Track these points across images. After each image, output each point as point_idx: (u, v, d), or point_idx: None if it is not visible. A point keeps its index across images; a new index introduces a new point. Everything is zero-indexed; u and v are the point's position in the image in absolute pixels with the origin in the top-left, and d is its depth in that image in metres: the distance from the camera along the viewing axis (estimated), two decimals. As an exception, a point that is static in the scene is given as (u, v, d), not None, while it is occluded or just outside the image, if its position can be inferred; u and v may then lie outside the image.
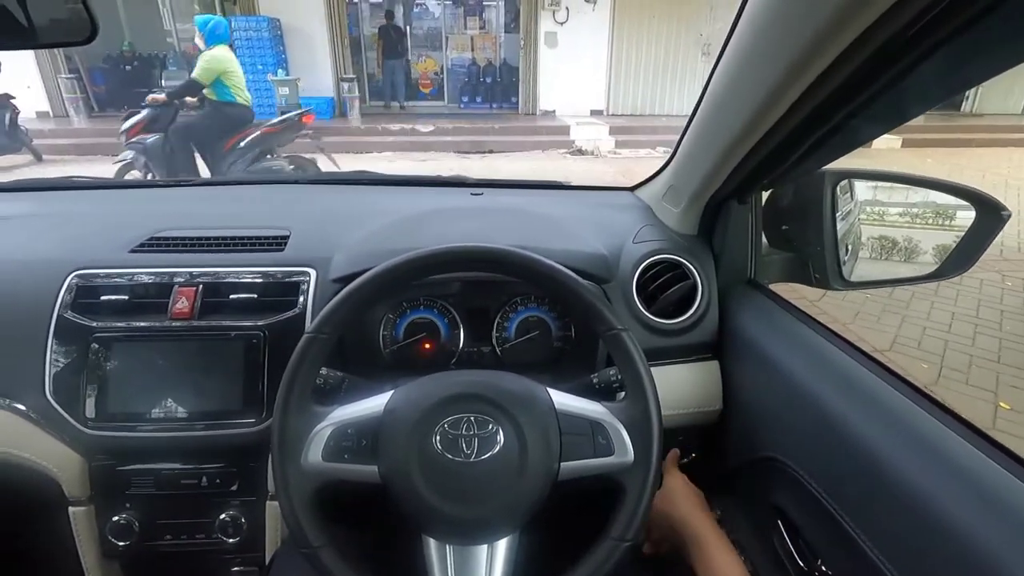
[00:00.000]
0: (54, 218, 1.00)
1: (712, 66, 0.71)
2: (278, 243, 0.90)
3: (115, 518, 0.81)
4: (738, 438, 0.88)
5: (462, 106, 11.08)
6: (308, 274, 0.86)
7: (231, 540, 0.82)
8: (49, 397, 0.79)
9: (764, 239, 1.00)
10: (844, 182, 1.16)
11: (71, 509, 0.82)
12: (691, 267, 0.91)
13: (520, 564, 0.63)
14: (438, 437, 0.60)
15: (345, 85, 9.37)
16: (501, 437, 0.61)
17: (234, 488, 0.82)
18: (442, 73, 11.24)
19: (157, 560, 0.86)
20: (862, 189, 1.25)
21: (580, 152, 8.51)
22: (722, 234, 0.94)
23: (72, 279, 0.83)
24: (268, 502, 0.84)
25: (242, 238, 0.90)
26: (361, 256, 0.86)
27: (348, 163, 7.34)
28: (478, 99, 11.06)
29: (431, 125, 8.97)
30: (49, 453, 0.79)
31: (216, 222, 0.97)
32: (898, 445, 0.57)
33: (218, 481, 0.82)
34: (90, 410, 0.78)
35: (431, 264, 0.68)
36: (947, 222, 1.20)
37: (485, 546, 0.61)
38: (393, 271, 0.67)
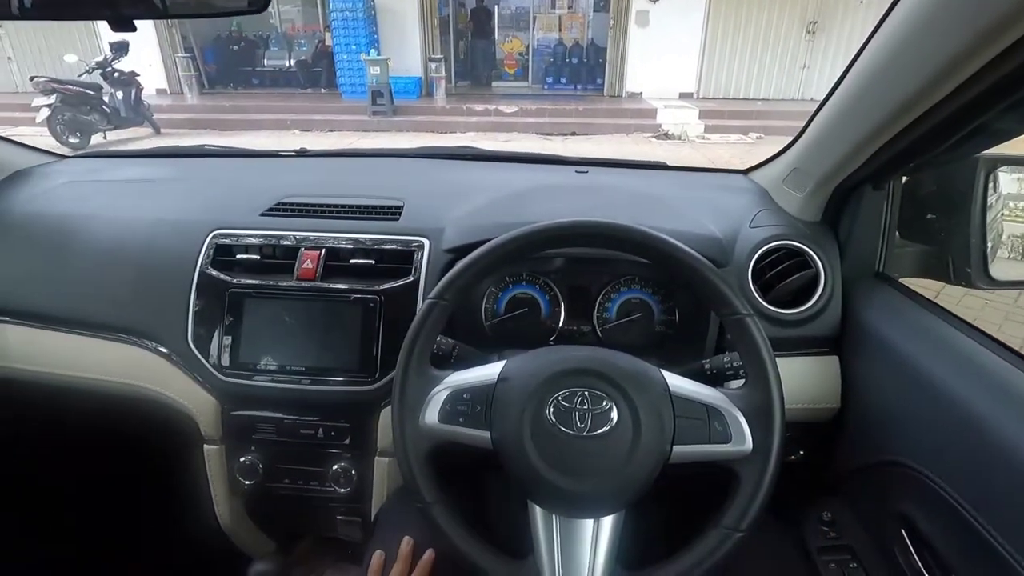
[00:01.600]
0: (193, 182, 1.09)
1: (858, 49, 0.66)
2: (393, 213, 0.94)
3: (242, 459, 0.88)
4: (857, 439, 0.82)
5: (546, 87, 10.99)
6: (422, 243, 0.88)
7: (342, 490, 0.88)
8: (191, 344, 0.86)
9: (896, 230, 0.93)
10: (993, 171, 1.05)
11: (206, 447, 0.90)
12: (814, 255, 0.85)
13: (625, 542, 0.63)
14: (552, 409, 0.61)
15: (432, 65, 9.54)
16: (615, 414, 0.60)
17: (347, 442, 0.87)
18: (527, 53, 11.18)
19: (275, 501, 0.93)
20: (1007, 181, 1.12)
21: (666, 136, 8.22)
22: (850, 222, 0.87)
23: (212, 239, 0.90)
24: (377, 458, 0.89)
25: (360, 206, 0.95)
26: (473, 229, 0.87)
27: (431, 142, 7.52)
28: (563, 80, 10.93)
29: (515, 106, 8.97)
30: (190, 395, 0.87)
31: (335, 190, 1.02)
32: None
33: (332, 434, 0.87)
34: (225, 358, 0.86)
35: (553, 237, 0.68)
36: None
37: (591, 520, 0.62)
38: (516, 242, 0.67)
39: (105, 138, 7.38)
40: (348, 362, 0.85)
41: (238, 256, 0.88)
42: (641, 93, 10.09)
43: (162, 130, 7.89)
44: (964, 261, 0.87)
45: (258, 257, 0.88)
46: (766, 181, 1.03)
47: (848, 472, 0.84)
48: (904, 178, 0.87)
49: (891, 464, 0.72)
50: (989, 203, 1.13)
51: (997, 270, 0.98)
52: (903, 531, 0.70)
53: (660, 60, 9.73)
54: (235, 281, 0.87)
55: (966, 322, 0.74)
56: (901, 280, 0.89)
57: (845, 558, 0.77)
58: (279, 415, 0.88)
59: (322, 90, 10.56)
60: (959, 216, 0.86)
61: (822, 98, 0.81)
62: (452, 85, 10.59)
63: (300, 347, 0.86)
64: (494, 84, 11.29)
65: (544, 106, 9.18)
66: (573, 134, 8.38)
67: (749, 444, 0.61)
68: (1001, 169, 1.02)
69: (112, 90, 7.34)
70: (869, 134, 0.70)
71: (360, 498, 0.90)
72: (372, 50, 8.88)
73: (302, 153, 1.31)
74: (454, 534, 0.62)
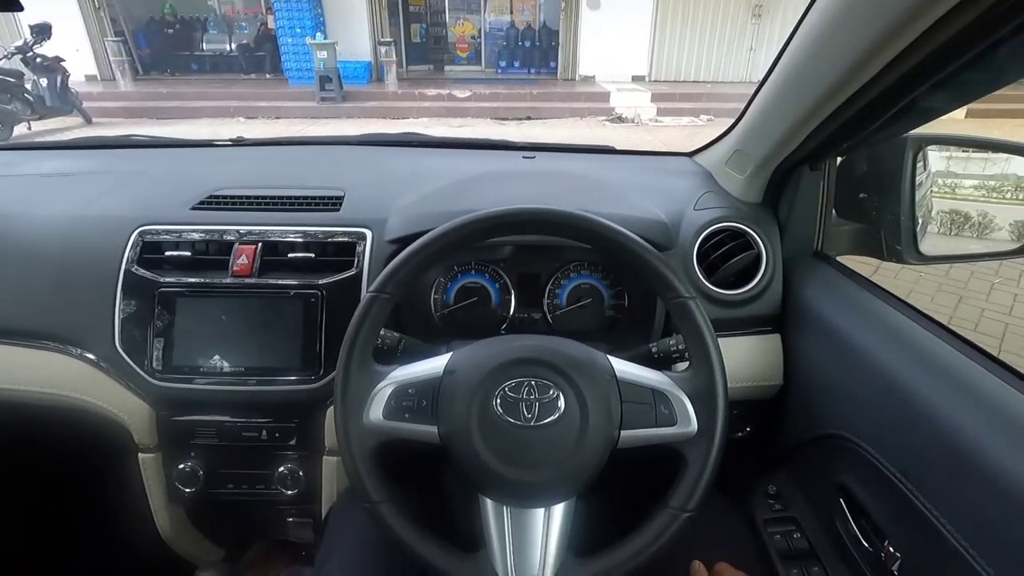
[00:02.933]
0: (118, 175, 1.02)
1: (793, 28, 0.67)
2: (333, 203, 0.90)
3: (181, 465, 0.84)
4: (799, 414, 0.85)
5: (499, 71, 10.88)
6: (364, 235, 0.86)
7: (288, 492, 0.85)
8: (119, 348, 0.81)
9: (833, 209, 0.95)
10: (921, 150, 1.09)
11: (140, 455, 0.86)
12: (756, 236, 0.87)
13: (577, 529, 0.63)
14: (498, 400, 0.60)
15: (382, 49, 9.28)
16: (562, 403, 0.60)
17: (292, 443, 0.84)
18: (480, 37, 11.03)
19: (219, 507, 0.90)
20: (935, 159, 1.17)
21: (620, 120, 8.28)
22: (789, 202, 0.89)
23: (137, 235, 0.84)
24: (325, 457, 0.87)
25: (298, 198, 0.91)
26: (417, 218, 0.85)
27: (383, 129, 7.35)
28: (516, 64, 10.84)
29: (468, 91, 8.85)
30: (120, 401, 0.82)
31: (272, 181, 0.97)
32: (988, 425, 0.54)
33: (277, 435, 0.84)
34: (156, 362, 0.81)
35: (495, 225, 0.66)
36: (1029, 195, 1.12)
37: (542, 509, 0.61)
38: (458, 231, 0.66)
39: (30, 128, 6.90)
40: (290, 361, 0.81)
41: (167, 253, 0.83)
42: (594, 76, 10.12)
43: (93, 119, 7.42)
44: (895, 238, 0.90)
45: (189, 254, 0.83)
46: (710, 163, 1.04)
47: (792, 446, 0.87)
48: (839, 159, 0.89)
49: (830, 437, 0.75)
50: (919, 181, 1.18)
51: (926, 246, 1.03)
52: (841, 500, 0.73)
53: (612, 43, 9.78)
54: (164, 280, 0.82)
55: (897, 297, 0.76)
56: (838, 258, 0.92)
57: (790, 529, 0.80)
58: (219, 418, 0.84)
59: (267, 75, 10.16)
60: (890, 195, 0.89)
61: (761, 81, 0.82)
62: (404, 70, 10.36)
63: (238, 347, 0.82)
64: (447, 68, 11.11)
65: (498, 90, 9.10)
66: (528, 118, 8.34)
67: (694, 426, 0.62)
68: (929, 148, 1.07)
69: (35, 77, 6.84)
70: (803, 116, 0.71)
71: (309, 499, 0.87)
72: (318, 33, 8.58)
73: (239, 142, 1.25)
74: (403, 532, 0.61)
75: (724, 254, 0.87)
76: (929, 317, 0.71)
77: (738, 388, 0.87)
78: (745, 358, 0.87)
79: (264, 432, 0.84)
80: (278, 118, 8.09)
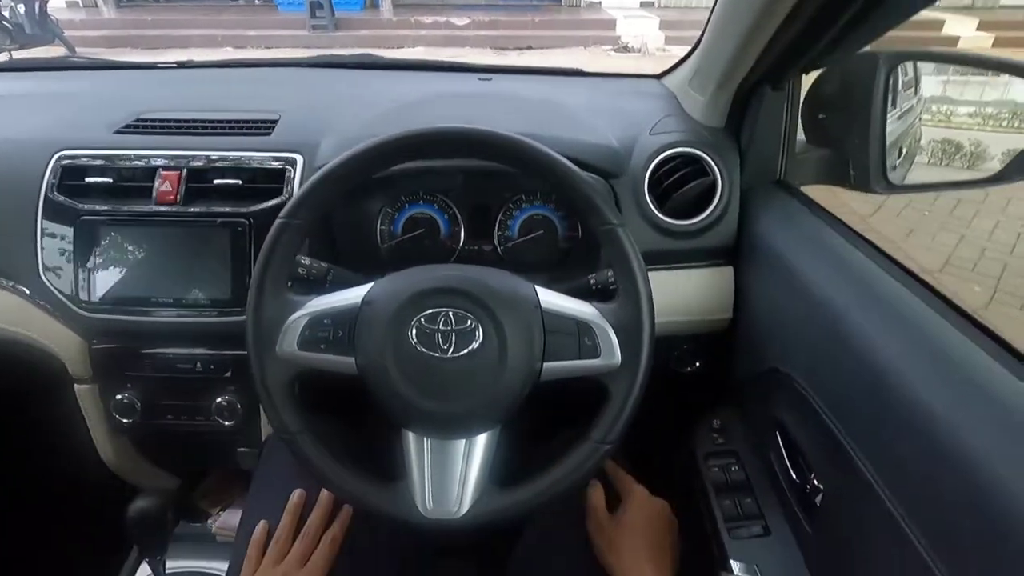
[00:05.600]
0: (44, 98, 0.96)
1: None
2: (266, 127, 0.85)
3: (118, 396, 0.84)
4: (745, 349, 0.83)
5: (501, -4, 10.29)
6: (294, 160, 0.81)
7: (227, 423, 0.85)
8: (44, 278, 0.79)
9: (802, 135, 0.89)
10: (908, 72, 1.01)
11: (76, 386, 0.85)
12: (711, 163, 0.82)
13: (498, 460, 0.63)
14: (414, 331, 0.58)
15: (376, -28, 8.77)
16: (480, 334, 0.58)
17: (227, 374, 0.83)
18: (480, -42, 10.36)
19: (164, 437, 0.90)
20: (930, 84, 1.08)
21: (626, 49, 7.91)
22: (751, 125, 0.83)
23: (57, 160, 0.80)
24: None
25: (228, 121, 0.86)
26: (350, 141, 0.79)
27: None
28: (518, -12, 10.22)
29: (467, 18, 8.41)
30: (51, 333, 0.81)
31: (203, 104, 0.92)
32: (917, 362, 0.51)
33: (212, 367, 0.83)
34: (83, 293, 0.79)
35: (406, 146, 0.62)
36: (1026, 122, 1.05)
37: (463, 440, 0.60)
38: (366, 153, 0.62)
39: (11, 57, 6.66)
40: (219, 292, 0.79)
41: (88, 179, 0.80)
42: (600, 2, 9.56)
43: (77, 49, 7.15)
44: (863, 165, 0.85)
45: (111, 180, 0.80)
46: (675, 85, 0.97)
47: (739, 381, 0.85)
48: (805, 79, 0.82)
49: (772, 372, 0.73)
50: (908, 106, 1.10)
51: (910, 177, 0.97)
52: (777, 435, 0.72)
53: (620, -35, 9.18)
54: (86, 208, 0.78)
55: (855, 231, 0.72)
56: (804, 188, 0.87)
57: (729, 462, 0.80)
58: (152, 350, 0.83)
59: (256, 2, 9.65)
60: (860, 117, 0.83)
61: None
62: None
63: (166, 277, 0.79)
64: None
65: (498, 17, 8.63)
66: (529, 48, 7.97)
67: (618, 358, 0.60)
68: (923, 72, 0.99)
69: (12, 3, 6.53)
70: (753, 27, 0.64)
71: (251, 429, 0.88)
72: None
73: (185, 65, 1.18)
74: (320, 463, 0.61)
75: (679, 182, 0.82)
76: (884, 253, 0.67)
77: (687, 322, 0.85)
78: (696, 291, 0.84)
79: (198, 364, 0.83)
80: (267, 48, 7.77)
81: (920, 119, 1.17)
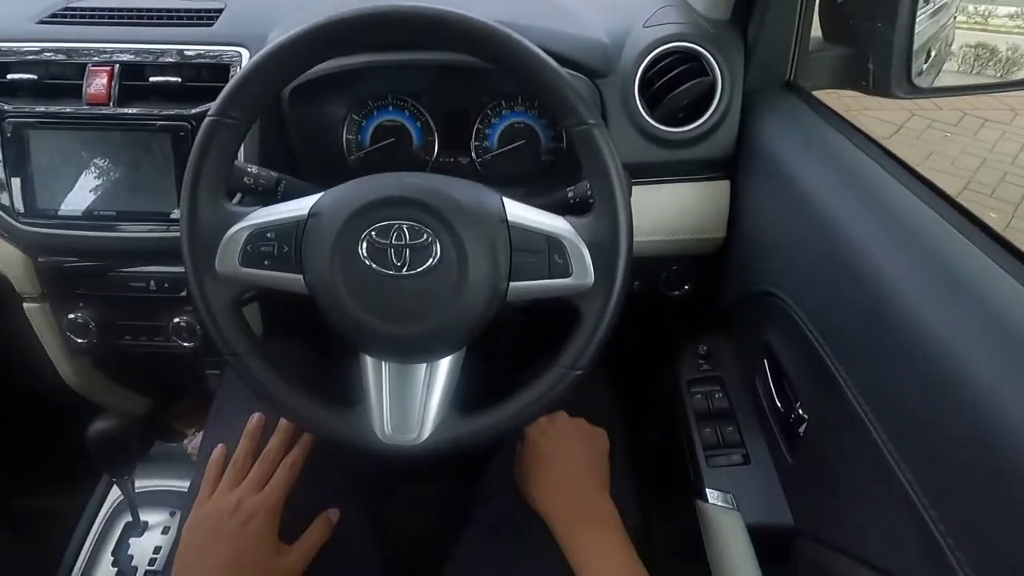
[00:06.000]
0: None
1: None
2: (208, 17, 0.76)
3: (70, 316, 0.80)
4: (739, 270, 0.77)
5: None
6: (239, 54, 0.72)
7: (186, 344, 0.82)
8: None
9: (817, 30, 0.79)
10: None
11: (25, 305, 0.81)
12: (711, 60, 0.72)
13: (464, 386, 0.59)
14: (364, 246, 0.52)
15: None
16: (437, 249, 0.52)
17: (183, 294, 0.79)
18: None
19: (126, 358, 0.87)
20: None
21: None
22: (760, 17, 0.73)
23: None
24: None
25: (166, 10, 0.76)
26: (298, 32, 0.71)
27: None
28: None
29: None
30: None
31: None
32: (923, 280, 0.45)
33: (166, 285, 0.78)
34: (18, 203, 0.73)
35: (349, 28, 0.53)
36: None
37: (424, 365, 0.56)
38: (305, 37, 0.53)
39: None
40: (164, 203, 0.73)
41: (9, 76, 0.72)
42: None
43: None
44: (885, 65, 0.75)
45: (36, 77, 0.71)
46: None
47: (729, 305, 0.80)
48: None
49: (764, 295, 0.67)
50: (942, 3, 0.98)
51: (921, 78, 0.87)
52: (765, 361, 0.67)
53: None
54: (10, 109, 0.71)
55: (864, 134, 0.64)
56: (816, 92, 0.78)
57: (714, 388, 0.76)
58: (100, 265, 0.78)
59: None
60: (886, 9, 0.72)
61: None
62: None
63: (105, 187, 0.73)
64: None
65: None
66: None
67: (591, 278, 0.54)
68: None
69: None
70: None
71: (215, 351, 0.84)
72: None
73: None
74: (271, 386, 0.57)
75: (673, 81, 0.73)
76: (899, 160, 0.60)
77: (677, 241, 0.78)
78: (688, 208, 0.77)
79: (152, 282, 0.78)
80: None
81: (954, 19, 1.05)
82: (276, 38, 0.71)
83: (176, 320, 0.80)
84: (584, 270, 0.54)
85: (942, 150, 3.08)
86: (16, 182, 0.72)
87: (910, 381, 0.42)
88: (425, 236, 0.52)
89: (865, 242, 0.51)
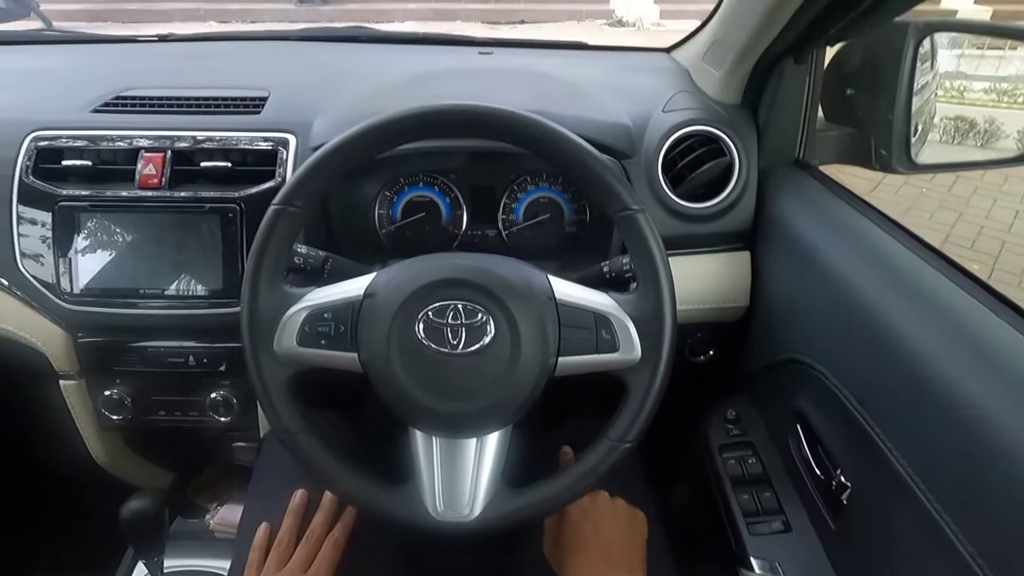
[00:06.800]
0: (17, 75, 0.90)
1: None
2: (255, 105, 0.80)
3: (107, 392, 0.80)
4: (763, 337, 0.80)
5: (492, -32, 10.02)
6: (287, 141, 0.76)
7: (223, 419, 0.81)
8: (23, 270, 0.75)
9: (820, 111, 0.85)
10: (926, 45, 0.96)
11: (62, 383, 0.81)
12: (729, 142, 0.77)
13: (511, 459, 0.59)
14: (421, 325, 0.54)
15: (363, -58, 8.48)
16: (492, 328, 0.54)
17: (222, 368, 0.79)
18: (471, -72, 10.06)
19: (157, 433, 0.87)
20: (945, 58, 1.04)
21: (620, 23, 7.74)
22: (770, 102, 0.79)
23: (31, 141, 0.75)
24: None
25: (215, 99, 0.80)
26: (345, 120, 0.75)
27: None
28: (510, -41, 9.95)
29: (457, -10, 8.19)
30: (32, 326, 0.77)
31: (189, 80, 0.86)
32: (957, 354, 0.48)
33: (205, 361, 0.79)
34: (65, 283, 0.74)
35: (410, 127, 0.57)
36: (1044, 98, 1.01)
37: (474, 439, 0.57)
38: (368, 134, 0.57)
39: (-15, 33, 6.43)
40: (210, 282, 0.75)
41: (65, 162, 0.74)
42: (594, -26, 9.34)
43: (54, 23, 6.90)
44: (886, 143, 0.81)
45: (91, 163, 0.74)
46: (687, 59, 0.92)
47: (754, 371, 0.82)
48: (829, 51, 0.78)
49: (792, 362, 0.70)
50: (924, 82, 1.06)
51: (922, 154, 0.93)
52: (798, 427, 0.69)
53: (615, -65, 8.93)
54: (64, 193, 0.73)
55: (879, 212, 0.69)
56: (822, 168, 0.83)
57: (746, 454, 0.77)
58: (141, 343, 0.78)
59: (240, -27, 9.35)
60: (886, 93, 0.79)
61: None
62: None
63: (153, 267, 0.75)
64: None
65: (489, -10, 8.42)
66: (522, 22, 7.79)
67: (638, 353, 0.56)
68: (939, 44, 0.94)
69: (-16, -25, 6.30)
70: None
71: (247, 425, 0.84)
72: (291, -77, 7.79)
73: (166, 38, 1.11)
74: (325, 464, 0.57)
75: (693, 162, 0.78)
76: (912, 234, 0.64)
77: (702, 310, 0.81)
78: (711, 278, 0.81)
79: (191, 358, 0.79)
80: (253, 21, 7.54)
81: (936, 95, 1.13)
82: (323, 126, 0.76)
83: (213, 395, 0.80)
84: (631, 345, 0.56)
85: (920, 205, 3.23)
86: (64, 262, 0.74)
87: (958, 450, 0.44)
88: (480, 315, 0.54)
89: (894, 315, 0.54)
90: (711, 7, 0.84)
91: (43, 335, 0.77)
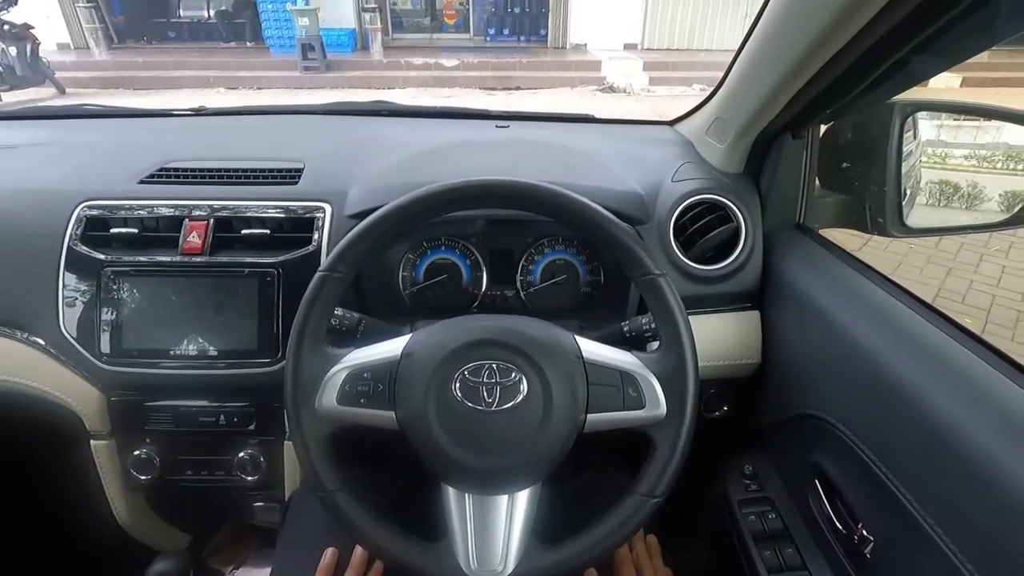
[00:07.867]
0: (62, 147, 0.96)
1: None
2: (292, 176, 0.85)
3: (136, 452, 0.81)
4: (776, 393, 0.83)
5: (488, 39, 10.56)
6: (323, 209, 0.81)
7: (249, 478, 0.82)
8: (64, 331, 0.77)
9: (816, 180, 0.92)
10: (910, 118, 1.04)
11: (93, 442, 0.82)
12: (735, 209, 0.83)
13: (541, 515, 0.61)
14: (458, 384, 0.57)
15: (367, 16, 8.99)
16: (524, 386, 0.57)
17: (251, 427, 0.81)
18: (468, 3, 10.69)
19: (180, 493, 0.87)
20: (925, 128, 1.12)
21: (611, 89, 8.13)
22: (771, 173, 0.85)
23: (81, 210, 0.79)
24: (286, 442, 0.84)
25: (254, 170, 0.86)
26: (378, 191, 0.80)
27: (368, 99, 7.16)
28: (505, 31, 10.51)
29: (456, 59, 8.62)
30: (68, 387, 0.79)
31: (227, 152, 0.92)
32: (968, 409, 0.51)
33: (235, 420, 0.81)
34: (105, 345, 0.77)
35: (451, 199, 0.62)
36: (1019, 165, 1.08)
37: (505, 496, 0.59)
38: (411, 206, 0.62)
39: (0, 100, 6.66)
40: (246, 343, 0.78)
41: (112, 230, 0.79)
42: (586, 44, 9.88)
43: (68, 90, 7.17)
44: (880, 210, 0.87)
45: (136, 231, 0.79)
46: (690, 132, 1.00)
47: (769, 426, 0.84)
48: (823, 127, 0.85)
49: (807, 417, 0.72)
50: (908, 150, 1.13)
51: (912, 218, 0.99)
52: (817, 482, 0.71)
53: (604, 9, 9.50)
54: (110, 259, 0.77)
55: (880, 273, 0.73)
56: (821, 231, 0.89)
57: (765, 509, 0.78)
58: (173, 403, 0.80)
59: (247, 44, 9.82)
60: (876, 164, 0.86)
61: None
62: (389, 38, 10.06)
63: (191, 329, 0.78)
64: (434, 36, 10.78)
65: (487, 59, 8.86)
66: (517, 88, 8.17)
67: (663, 409, 0.59)
68: (919, 115, 1.02)
69: (3, 45, 6.58)
70: (782, 80, 0.67)
71: (273, 484, 0.85)
72: (300, -1, 8.27)
73: (199, 112, 1.18)
74: (361, 522, 0.59)
75: (702, 228, 0.83)
76: (914, 296, 0.68)
77: (715, 367, 0.85)
78: (723, 336, 0.84)
79: (222, 417, 0.80)
80: (259, 88, 7.87)
81: (920, 162, 1.21)
82: (357, 195, 0.81)
83: (241, 454, 0.81)
84: (656, 402, 0.59)
85: (910, 261, 3.32)
86: (104, 324, 0.77)
87: (980, 504, 0.47)
88: (513, 374, 0.57)
89: (906, 373, 0.58)
90: (692, 75, 0.92)
91: (77, 394, 0.79)
